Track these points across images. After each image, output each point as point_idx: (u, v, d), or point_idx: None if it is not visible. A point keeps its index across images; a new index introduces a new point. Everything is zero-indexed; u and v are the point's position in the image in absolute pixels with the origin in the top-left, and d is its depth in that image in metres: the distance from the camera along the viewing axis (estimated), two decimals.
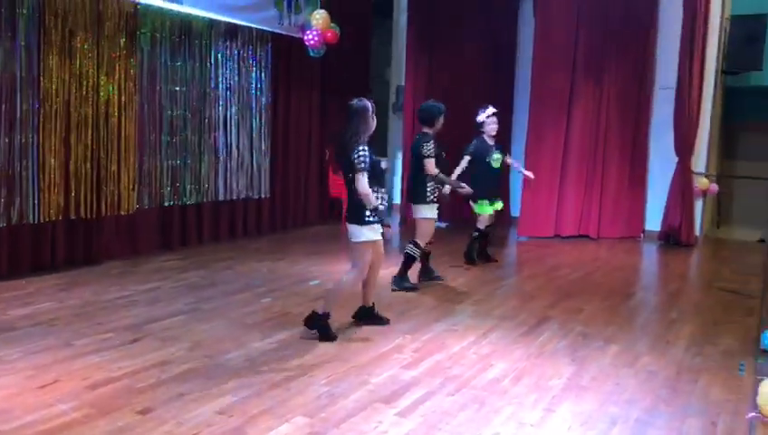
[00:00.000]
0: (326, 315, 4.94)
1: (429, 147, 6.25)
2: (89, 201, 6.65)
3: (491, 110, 7.46)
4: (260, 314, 5.46)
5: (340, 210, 9.80)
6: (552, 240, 9.64)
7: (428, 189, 6.34)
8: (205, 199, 8.10)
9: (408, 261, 6.50)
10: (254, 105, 8.63)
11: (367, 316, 5.32)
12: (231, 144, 8.36)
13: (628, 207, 9.91)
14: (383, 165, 5.08)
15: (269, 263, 7.37)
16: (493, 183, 7.53)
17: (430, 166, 6.26)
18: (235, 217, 8.65)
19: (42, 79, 6.15)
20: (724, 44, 9.86)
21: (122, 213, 7.01)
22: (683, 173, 9.55)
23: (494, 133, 7.49)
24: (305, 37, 8.35)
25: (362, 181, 4.77)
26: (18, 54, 5.98)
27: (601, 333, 5.32)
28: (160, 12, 7.22)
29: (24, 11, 5.99)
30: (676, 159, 9.57)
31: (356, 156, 4.75)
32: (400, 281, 6.50)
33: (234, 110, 8.35)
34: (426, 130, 6.40)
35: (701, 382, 4.39)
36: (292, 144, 9.37)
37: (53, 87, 6.24)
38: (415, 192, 6.42)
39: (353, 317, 5.33)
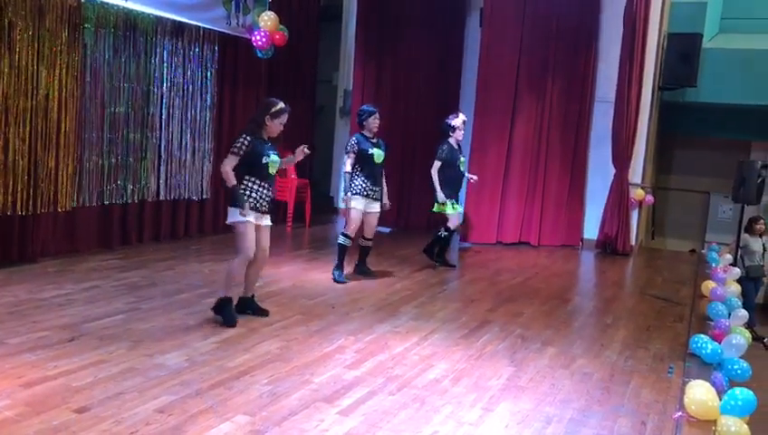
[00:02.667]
0: (226, 299, 5.23)
1: (349, 144, 6.91)
2: (25, 197, 6.44)
3: (463, 116, 7.85)
4: (201, 314, 5.39)
5: (285, 213, 9.78)
6: (495, 247, 9.81)
7: (349, 183, 6.88)
8: (146, 198, 7.95)
9: (339, 251, 6.99)
10: (198, 104, 8.51)
11: (246, 307, 5.44)
12: (174, 143, 8.22)
13: (567, 217, 10.16)
14: (264, 160, 5.20)
15: (211, 264, 7.29)
16: (459, 185, 7.85)
17: (347, 162, 6.86)
18: (176, 218, 8.50)
19: None
20: (661, 61, 10.23)
21: (59, 210, 6.81)
22: (620, 184, 9.85)
23: (461, 138, 7.81)
24: (253, 38, 8.31)
25: (226, 161, 5.15)
26: None
27: (539, 336, 5.47)
28: (104, 6, 7.06)
29: None
30: (614, 171, 9.88)
31: (236, 140, 5.18)
32: (334, 270, 6.98)
33: (177, 108, 8.22)
34: (361, 131, 6.97)
35: (633, 384, 4.56)
36: None
37: None
38: (344, 185, 7.07)
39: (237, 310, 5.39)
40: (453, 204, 7.71)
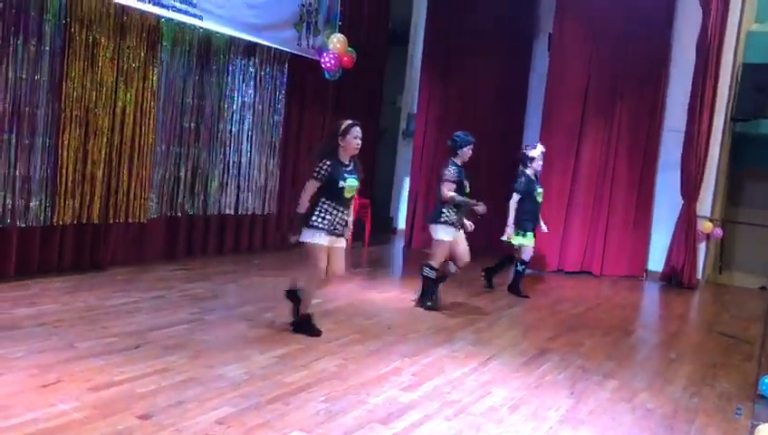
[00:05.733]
0: (305, 316, 5.43)
1: (449, 172, 6.59)
2: (100, 207, 6.70)
3: (542, 147, 7.75)
4: (262, 328, 5.49)
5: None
6: (556, 274, 9.67)
7: (444, 212, 6.58)
8: (212, 212, 8.16)
9: (424, 282, 6.75)
10: (267, 123, 8.73)
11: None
12: (242, 160, 8.44)
13: (631, 246, 9.94)
14: (340, 184, 5.21)
15: (272, 279, 7.40)
16: (537, 217, 7.71)
17: (444, 189, 6.57)
18: (240, 232, 8.70)
19: (64, 84, 6.24)
20: (735, 91, 9.96)
21: (131, 221, 7.06)
22: (688, 216, 9.60)
23: (539, 169, 7.69)
24: (322, 60, 8.47)
25: (307, 186, 5.26)
26: (42, 59, 6.07)
27: (601, 368, 5.35)
28: (181, 26, 7.35)
29: (50, 17, 6.09)
30: (682, 202, 9.63)
31: (316, 164, 5.22)
32: (421, 299, 6.79)
33: (247, 126, 8.44)
34: (452, 158, 6.73)
35: (697, 423, 4.40)
36: (301, 163, 9.44)
37: (75, 93, 6.32)
38: (432, 213, 6.78)
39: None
40: (529, 236, 7.58)
